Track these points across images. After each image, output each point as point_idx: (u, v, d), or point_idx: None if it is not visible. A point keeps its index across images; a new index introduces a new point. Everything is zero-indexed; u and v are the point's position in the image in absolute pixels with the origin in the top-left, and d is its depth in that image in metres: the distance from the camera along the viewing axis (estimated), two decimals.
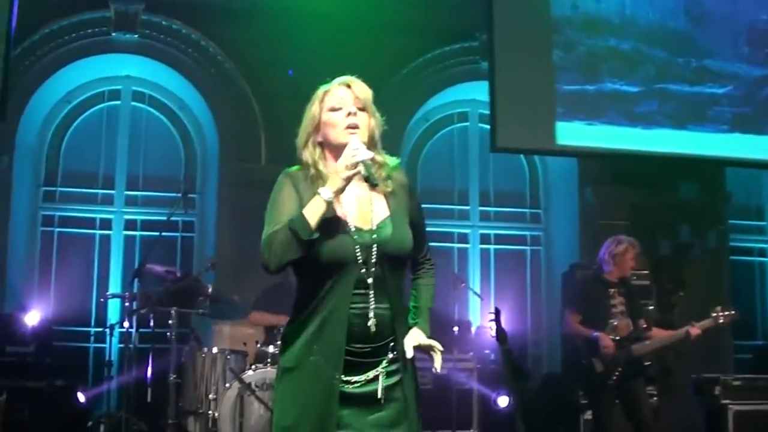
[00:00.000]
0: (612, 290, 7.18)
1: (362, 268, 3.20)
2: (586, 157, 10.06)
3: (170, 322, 7.27)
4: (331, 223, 3.19)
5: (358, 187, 3.30)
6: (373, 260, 3.21)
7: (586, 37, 9.47)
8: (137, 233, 9.94)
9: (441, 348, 3.36)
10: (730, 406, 8.55)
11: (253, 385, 6.90)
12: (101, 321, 9.36)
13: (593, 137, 9.33)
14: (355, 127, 3.27)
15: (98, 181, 9.98)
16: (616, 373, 6.90)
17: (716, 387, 8.65)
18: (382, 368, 3.24)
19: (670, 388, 9.30)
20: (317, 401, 3.17)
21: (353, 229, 3.23)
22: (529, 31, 9.38)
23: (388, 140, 3.44)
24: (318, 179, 3.26)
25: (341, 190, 3.16)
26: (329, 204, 3.13)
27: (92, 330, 9.57)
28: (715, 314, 7.10)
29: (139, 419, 7.56)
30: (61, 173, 9.94)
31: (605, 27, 9.51)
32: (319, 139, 3.34)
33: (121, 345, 7.98)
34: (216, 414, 6.97)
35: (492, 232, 10.92)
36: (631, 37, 9.52)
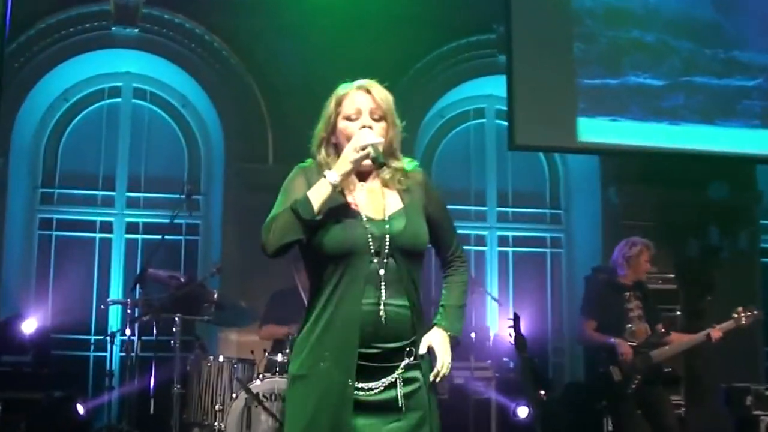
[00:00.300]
0: (627, 294, 7.19)
1: (374, 259, 3.21)
2: (609, 154, 10.03)
3: (174, 329, 7.26)
4: (343, 212, 3.24)
5: (372, 181, 3.36)
6: (386, 251, 3.22)
7: (609, 28, 9.44)
8: (139, 237, 9.94)
9: (444, 369, 3.32)
10: (762, 417, 8.52)
11: (261, 396, 6.87)
12: (102, 329, 9.32)
13: (616, 133, 9.30)
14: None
15: (98, 182, 9.98)
16: (636, 381, 6.89)
17: (748, 397, 8.63)
18: (399, 374, 3.23)
19: (699, 397, 9.27)
20: (329, 410, 3.17)
21: (365, 219, 3.25)
22: (548, 23, 9.35)
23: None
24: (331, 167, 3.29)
25: (348, 174, 3.20)
26: (335, 187, 3.17)
27: (92, 338, 9.56)
28: (736, 315, 7.09)
29: None
30: (59, 174, 9.94)
31: (628, 17, 9.48)
32: (333, 141, 3.36)
33: (123, 354, 7.97)
34: (222, 426, 6.95)
35: (510, 233, 10.90)
36: (655, 28, 9.49)
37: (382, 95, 3.35)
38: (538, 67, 9.15)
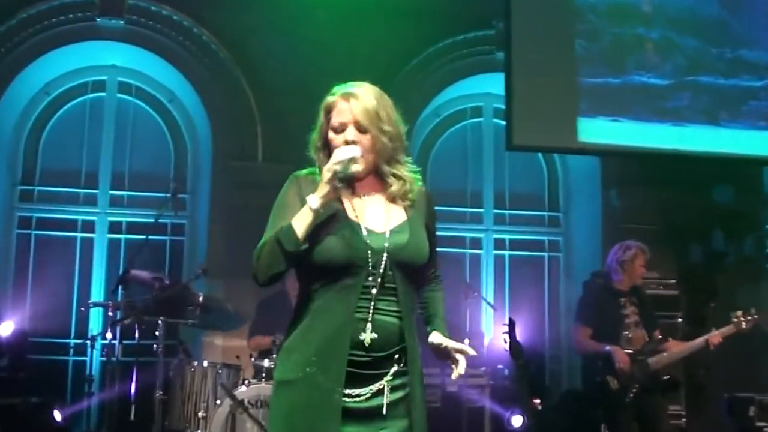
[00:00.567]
0: (623, 300, 7.19)
1: (372, 274, 3.21)
2: (610, 155, 10.04)
3: (157, 333, 7.22)
4: (342, 223, 3.23)
5: (375, 194, 3.36)
6: (385, 265, 3.23)
7: (612, 25, 9.45)
8: (122, 236, 9.93)
9: (473, 352, 3.36)
10: (766, 428, 8.53)
11: (246, 403, 6.86)
12: (82, 332, 9.31)
13: (618, 134, 9.31)
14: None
15: (80, 179, 9.97)
16: (633, 390, 6.89)
17: (751, 407, 8.65)
18: (387, 381, 3.23)
19: (700, 407, 9.28)
20: (316, 417, 3.16)
21: (366, 232, 3.25)
22: (549, 19, 9.36)
23: None
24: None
25: (328, 196, 3.17)
26: (317, 213, 3.16)
27: (72, 342, 9.52)
28: (736, 319, 7.09)
29: None
30: (39, 171, 9.93)
31: (632, 14, 9.50)
32: (328, 151, 3.35)
33: (103, 358, 7.96)
34: None
35: (507, 236, 10.91)
36: (660, 25, 9.50)
37: (364, 105, 3.29)
38: (537, 64, 9.16)
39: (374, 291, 3.21)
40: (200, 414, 7.08)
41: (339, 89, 3.36)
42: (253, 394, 6.93)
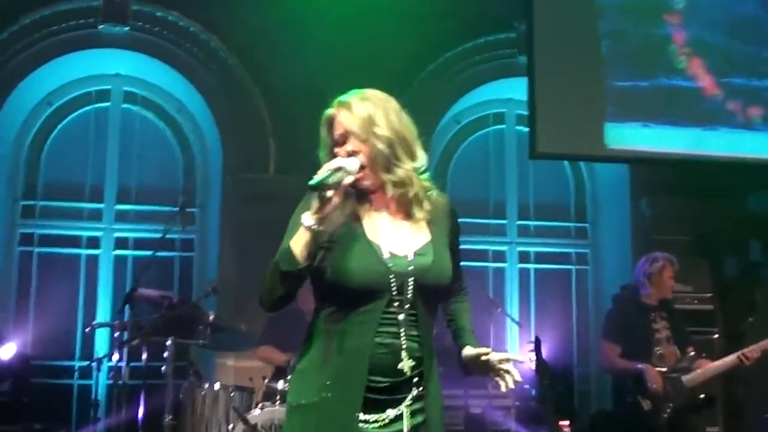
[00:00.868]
0: (653, 314, 7.15)
1: (396, 299, 3.21)
2: (640, 163, 10.01)
3: (166, 354, 7.20)
4: (363, 247, 3.23)
5: (393, 209, 3.35)
6: (409, 290, 3.22)
7: (640, 24, 9.43)
8: (129, 253, 9.94)
9: (522, 357, 3.36)
10: None
11: (259, 427, 6.85)
12: (87, 354, 9.30)
13: (648, 140, 9.28)
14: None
15: (84, 193, 9.98)
16: (668, 410, 6.84)
17: None
18: (407, 406, 3.22)
19: (739, 429, 9.21)
20: None
21: (388, 256, 3.24)
22: (573, 20, 9.35)
23: None
24: (348, 196, 3.30)
25: (321, 211, 3.16)
26: (314, 231, 3.15)
27: (77, 364, 9.52)
28: None
29: None
30: (41, 185, 9.94)
31: (661, 13, 9.47)
32: None
33: (110, 381, 7.97)
34: None
35: (532, 249, 10.89)
36: (691, 24, 9.47)
37: (356, 113, 3.29)
38: (562, 67, 9.14)
39: (401, 317, 3.21)
40: None
41: (336, 101, 3.37)
42: (267, 418, 6.91)
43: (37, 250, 9.85)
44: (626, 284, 7.86)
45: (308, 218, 3.15)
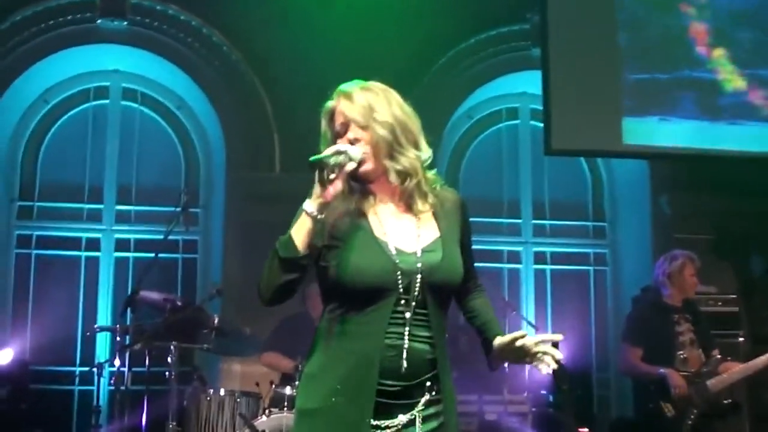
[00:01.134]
0: (676, 316, 7.16)
1: (403, 298, 3.23)
2: (660, 158, 10.01)
3: (169, 359, 7.25)
4: (368, 242, 3.25)
5: (402, 206, 3.38)
6: (417, 288, 3.24)
7: (659, 14, 9.43)
8: (130, 255, 9.97)
9: (559, 336, 3.38)
10: None
11: None
12: (87, 359, 9.34)
13: (668, 135, 9.28)
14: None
15: (83, 194, 10.01)
16: (692, 416, 6.85)
17: None
18: (419, 411, 3.24)
19: None
20: None
21: (395, 252, 3.26)
22: (589, 10, 9.36)
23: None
24: (354, 192, 3.35)
25: (323, 196, 3.19)
26: (315, 218, 3.18)
27: (77, 370, 9.54)
28: None
29: None
30: (38, 185, 9.97)
31: (681, 2, 9.47)
32: None
33: (111, 387, 7.97)
34: None
35: (548, 249, 10.88)
36: (712, 14, 9.46)
37: (356, 100, 3.34)
38: (577, 60, 9.16)
39: (407, 315, 3.23)
40: None
41: (336, 91, 3.42)
42: (274, 424, 6.93)
43: (35, 252, 9.88)
44: (647, 286, 7.90)
45: (309, 204, 3.18)
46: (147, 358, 7.35)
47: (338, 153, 3.21)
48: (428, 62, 9.93)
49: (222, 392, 7.32)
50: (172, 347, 7.26)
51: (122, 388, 7.43)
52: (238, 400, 7.23)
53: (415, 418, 3.24)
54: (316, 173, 3.17)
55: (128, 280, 9.69)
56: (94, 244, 9.97)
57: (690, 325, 7.16)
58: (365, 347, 3.19)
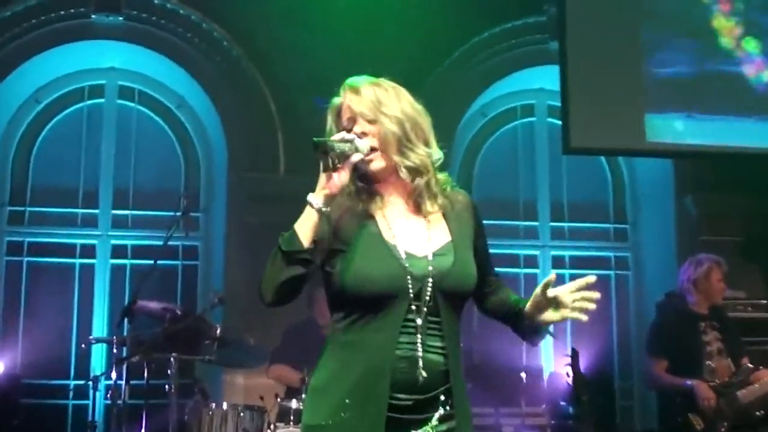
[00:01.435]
0: (702, 324, 7.13)
1: (413, 303, 3.20)
2: (685, 157, 9.99)
3: (169, 371, 7.25)
4: (376, 245, 3.24)
5: (411, 207, 3.37)
6: (428, 294, 3.22)
7: (683, 3, 9.40)
8: (127, 262, 9.97)
9: (592, 278, 3.42)
10: None
11: None
12: (82, 372, 9.30)
13: (693, 132, 9.27)
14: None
15: (78, 198, 10.01)
16: (722, 429, 6.82)
17: None
18: (432, 427, 3.22)
19: None
20: None
21: (404, 256, 3.24)
22: (609, 1, 9.34)
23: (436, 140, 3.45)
24: (361, 192, 3.34)
25: (330, 188, 3.18)
26: (321, 211, 3.17)
27: (71, 383, 9.57)
28: None
29: None
30: (30, 189, 9.97)
31: None
32: None
33: (108, 401, 7.99)
34: None
35: (567, 253, 10.87)
36: (741, 3, 9.44)
37: (363, 94, 3.34)
38: (597, 54, 9.15)
39: (419, 321, 3.20)
40: None
41: (343, 85, 3.42)
42: None
43: (26, 259, 9.87)
44: (671, 291, 7.86)
45: (314, 197, 3.17)
46: (145, 370, 7.31)
47: (344, 141, 3.21)
48: (439, 57, 9.93)
49: (225, 406, 7.29)
50: (171, 359, 7.24)
51: (119, 402, 7.40)
52: (242, 414, 7.21)
53: None
54: (321, 159, 3.17)
55: (125, 288, 9.72)
56: (89, 251, 9.97)
57: (717, 333, 7.13)
58: (375, 358, 3.16)
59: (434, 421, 3.22)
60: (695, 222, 10.22)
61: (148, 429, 7.23)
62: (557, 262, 10.79)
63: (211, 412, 7.22)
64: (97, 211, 10.02)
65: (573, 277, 9.75)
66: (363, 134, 3.28)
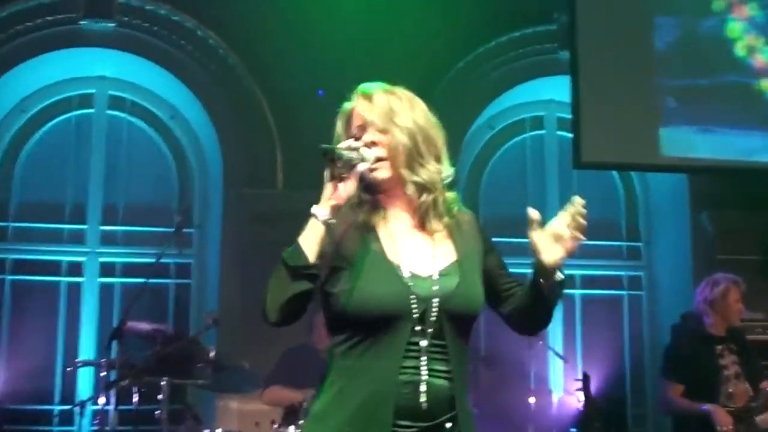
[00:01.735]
0: (719, 347, 7.12)
1: (417, 326, 3.17)
2: (701, 172, 9.98)
3: (160, 396, 7.24)
4: (379, 265, 3.21)
5: (416, 223, 3.34)
6: (433, 316, 3.19)
7: (698, 12, 9.41)
8: (116, 280, 9.95)
9: (580, 200, 3.41)
10: None
11: None
12: (68, 397, 9.35)
13: (709, 147, 9.27)
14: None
15: (64, 213, 10.00)
16: None
17: None
18: None
19: None
20: None
21: (408, 276, 3.21)
22: (622, 10, 9.37)
23: None
24: (363, 204, 3.32)
25: (335, 198, 3.17)
26: (327, 224, 3.16)
27: (56, 408, 9.51)
28: None
29: None
30: (15, 204, 9.95)
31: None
32: None
33: (95, 428, 7.96)
34: None
35: (577, 272, 10.84)
36: (761, 10, 9.44)
37: (375, 101, 3.34)
38: (609, 64, 9.16)
39: (423, 344, 3.17)
40: None
41: (356, 91, 3.41)
42: None
43: (9, 277, 9.83)
44: (687, 312, 7.84)
45: (319, 209, 3.15)
46: (135, 395, 7.32)
47: (351, 149, 3.19)
48: (445, 67, 9.92)
49: None
50: (163, 383, 7.22)
51: (107, 429, 7.40)
52: None
53: None
54: (327, 168, 3.15)
55: (114, 308, 9.70)
56: (76, 269, 9.94)
57: (735, 357, 7.11)
58: (378, 383, 3.13)
59: None
60: (711, 240, 10.21)
61: None
62: (567, 282, 10.74)
63: None
64: (85, 226, 9.99)
65: (584, 298, 9.77)
66: (372, 143, 3.26)
